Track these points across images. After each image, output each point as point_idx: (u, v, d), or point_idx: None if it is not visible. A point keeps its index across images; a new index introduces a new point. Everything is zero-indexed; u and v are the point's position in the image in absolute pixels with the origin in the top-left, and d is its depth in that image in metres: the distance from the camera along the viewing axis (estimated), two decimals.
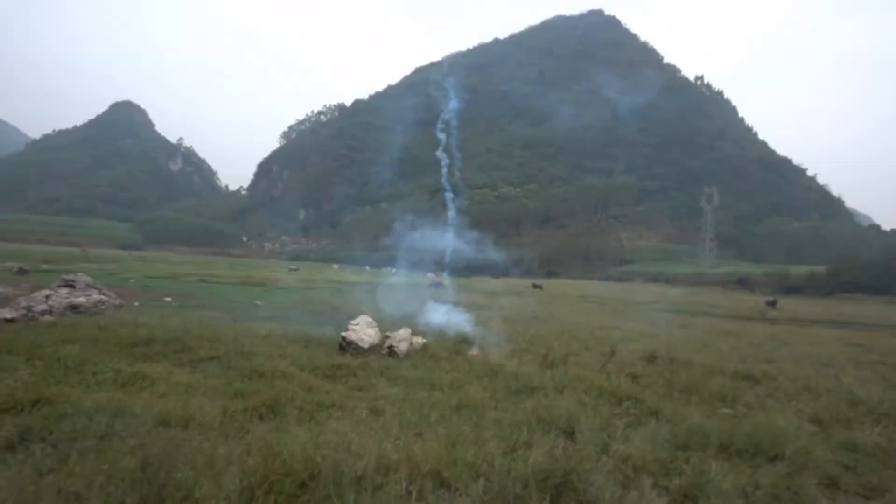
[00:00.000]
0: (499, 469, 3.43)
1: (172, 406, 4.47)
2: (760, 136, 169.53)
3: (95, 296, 11.04)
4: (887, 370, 9.50)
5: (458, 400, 5.44)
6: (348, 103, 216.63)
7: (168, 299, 15.69)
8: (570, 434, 4.50)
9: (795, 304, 36.41)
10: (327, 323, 11.91)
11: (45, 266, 26.07)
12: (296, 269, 49.75)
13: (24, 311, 9.06)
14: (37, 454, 3.29)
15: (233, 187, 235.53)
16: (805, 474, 3.98)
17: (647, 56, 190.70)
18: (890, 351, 12.66)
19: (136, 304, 13.33)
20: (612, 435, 4.46)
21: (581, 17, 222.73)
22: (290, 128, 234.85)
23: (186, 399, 4.78)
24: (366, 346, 7.99)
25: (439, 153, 17.37)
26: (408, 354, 7.88)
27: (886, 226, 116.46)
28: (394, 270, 39.08)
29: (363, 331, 8.28)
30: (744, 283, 64.94)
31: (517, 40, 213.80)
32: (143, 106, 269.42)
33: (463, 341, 9.52)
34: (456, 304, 15.30)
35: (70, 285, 10.97)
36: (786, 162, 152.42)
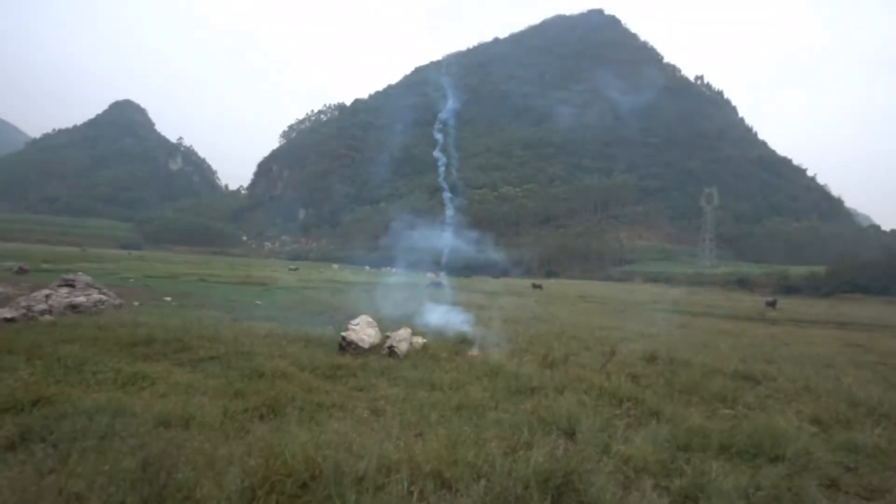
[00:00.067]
0: (500, 470, 3.43)
1: (173, 406, 4.47)
2: (760, 137, 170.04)
3: (95, 295, 11.03)
4: (887, 371, 9.50)
5: (459, 400, 5.44)
6: (348, 103, 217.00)
7: (168, 299, 15.68)
8: (570, 434, 4.49)
9: (795, 305, 36.43)
10: (327, 323, 11.92)
11: (44, 265, 26.07)
12: (295, 269, 49.73)
13: (23, 311, 9.05)
14: (37, 454, 3.28)
15: (233, 187, 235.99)
16: (806, 475, 3.98)
17: (646, 56, 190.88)
18: (890, 351, 12.67)
19: (136, 303, 13.31)
20: (613, 435, 4.47)
21: (581, 16, 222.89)
22: (291, 127, 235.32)
23: (187, 399, 4.77)
24: (366, 346, 7.98)
25: (436, 153, 17.42)
26: (408, 355, 7.87)
27: (886, 226, 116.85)
28: (393, 270, 39.12)
29: (363, 331, 8.28)
30: (743, 283, 64.91)
31: (517, 40, 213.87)
32: (142, 105, 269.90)
33: (463, 341, 9.52)
34: (455, 304, 15.31)
35: (70, 285, 10.97)
36: (785, 162, 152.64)
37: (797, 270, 63.77)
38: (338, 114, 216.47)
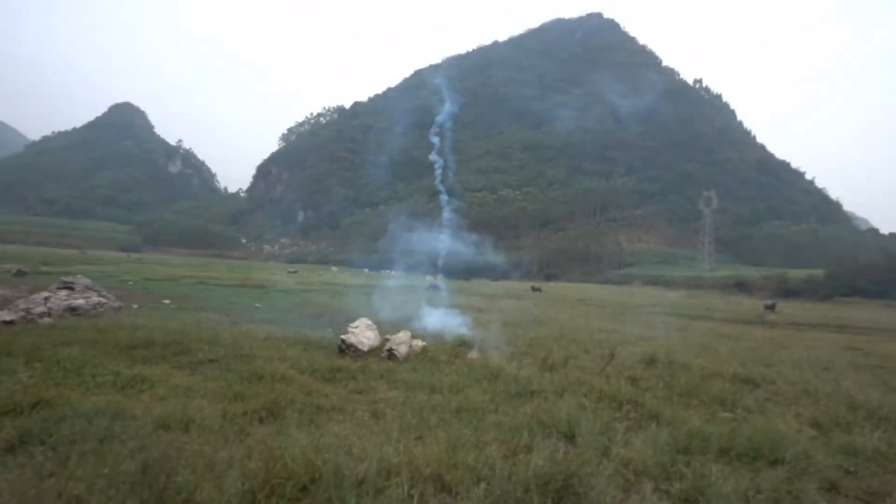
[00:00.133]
0: (500, 473, 3.43)
1: (172, 409, 4.46)
2: (759, 140, 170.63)
3: (94, 298, 11.01)
4: (886, 374, 9.50)
5: (459, 403, 5.44)
6: (348, 105, 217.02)
7: (167, 301, 15.66)
8: (570, 438, 4.50)
9: (794, 308, 36.47)
10: (326, 326, 11.91)
11: (43, 268, 26.05)
12: (294, 272, 49.66)
13: (22, 314, 9.04)
14: (37, 457, 3.28)
15: (232, 189, 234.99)
16: (805, 478, 3.99)
17: (645, 59, 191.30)
18: (888, 354, 12.68)
19: (135, 306, 13.29)
20: (613, 438, 4.47)
21: (580, 19, 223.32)
22: (290, 130, 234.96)
23: (186, 402, 4.77)
24: (365, 348, 7.98)
25: (433, 156, 17.44)
26: (407, 357, 7.87)
27: (885, 229, 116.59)
28: (392, 273, 39.06)
29: (363, 333, 8.28)
30: (742, 286, 65.04)
31: (516, 43, 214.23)
32: (142, 108, 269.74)
33: (462, 344, 9.50)
34: (454, 306, 15.30)
35: (69, 287, 10.95)
36: (784, 165, 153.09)
37: (796, 274, 63.88)
38: (337, 116, 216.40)
